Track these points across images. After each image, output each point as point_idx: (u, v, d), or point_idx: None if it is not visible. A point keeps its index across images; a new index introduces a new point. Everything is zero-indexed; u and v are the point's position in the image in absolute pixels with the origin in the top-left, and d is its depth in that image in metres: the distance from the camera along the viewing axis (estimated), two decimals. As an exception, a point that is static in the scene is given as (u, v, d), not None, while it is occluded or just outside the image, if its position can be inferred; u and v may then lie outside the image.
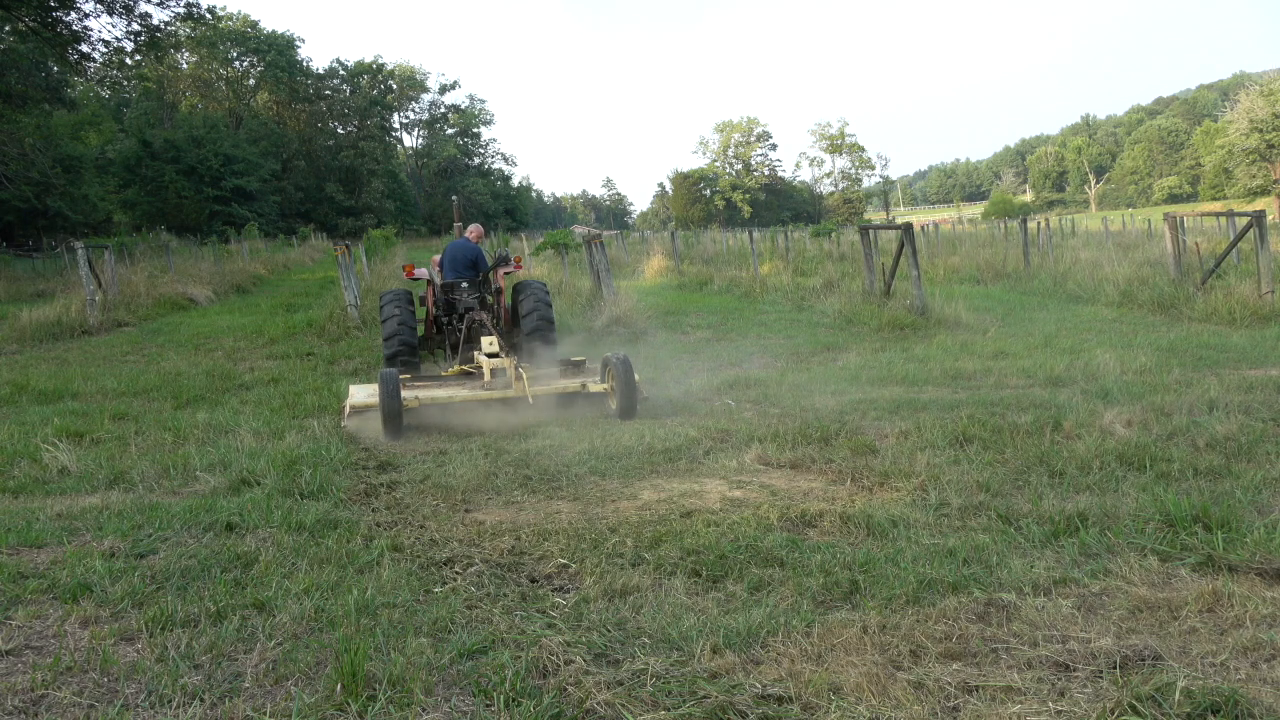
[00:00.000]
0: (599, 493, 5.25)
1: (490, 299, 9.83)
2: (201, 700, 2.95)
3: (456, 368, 8.66)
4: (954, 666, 3.02)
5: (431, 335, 10.00)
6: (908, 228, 14.15)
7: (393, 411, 7.04)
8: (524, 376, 7.66)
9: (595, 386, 7.90)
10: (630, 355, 7.93)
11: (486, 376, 7.82)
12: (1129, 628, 3.25)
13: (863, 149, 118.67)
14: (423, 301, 10.17)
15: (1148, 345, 9.74)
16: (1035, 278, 18.63)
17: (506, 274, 10.36)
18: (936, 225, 49.74)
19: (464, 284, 9.63)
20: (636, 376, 7.74)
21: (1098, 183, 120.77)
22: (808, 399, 7.75)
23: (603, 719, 2.81)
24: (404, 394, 7.30)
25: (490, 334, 8.66)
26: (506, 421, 7.48)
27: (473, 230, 10.15)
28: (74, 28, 34.36)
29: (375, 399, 7.35)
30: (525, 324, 9.54)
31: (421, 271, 10.45)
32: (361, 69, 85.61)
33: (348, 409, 7.72)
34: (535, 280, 10.60)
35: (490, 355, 8.14)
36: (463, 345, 9.20)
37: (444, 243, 12.83)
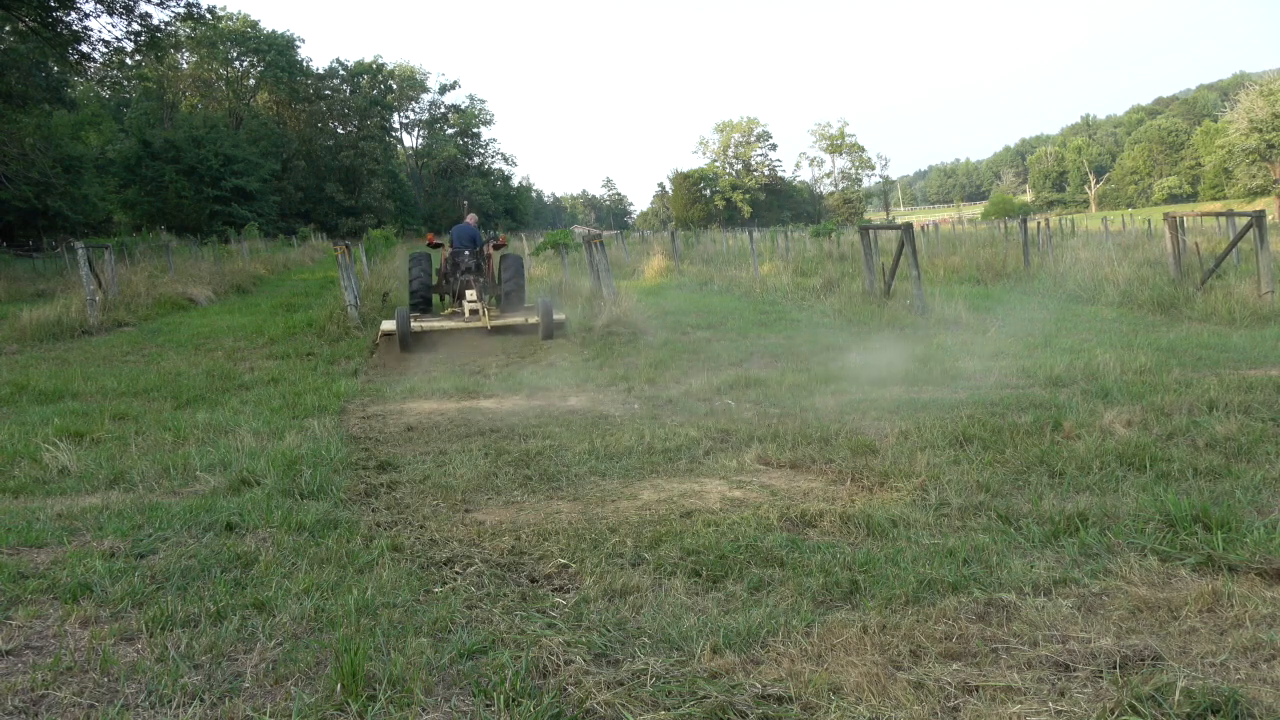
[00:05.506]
0: (599, 493, 5.25)
1: (483, 264, 13.99)
2: (201, 700, 2.95)
3: (450, 309, 13.63)
4: (954, 666, 3.02)
5: (442, 285, 14.43)
6: (908, 228, 14.16)
7: (404, 332, 11.71)
8: (487, 314, 12.59)
9: (532, 319, 12.35)
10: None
11: (466, 314, 12.80)
12: (1129, 628, 3.25)
13: (863, 149, 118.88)
14: (439, 265, 14.84)
15: (1148, 345, 9.73)
16: (1035, 278, 18.60)
17: (496, 247, 15.04)
18: (936, 225, 49.83)
19: (466, 252, 13.88)
20: (561, 316, 12.64)
21: (1098, 183, 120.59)
22: (808, 399, 7.75)
23: (603, 719, 2.81)
24: (413, 324, 11.95)
25: (473, 288, 13.05)
26: (482, 345, 11.92)
27: (471, 217, 14.85)
28: (74, 28, 34.39)
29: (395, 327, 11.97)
30: (503, 276, 14.22)
31: (440, 241, 15.37)
32: (361, 69, 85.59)
33: (380, 334, 12.29)
34: (513, 254, 16.30)
35: (470, 301, 12.83)
36: (459, 295, 13.52)
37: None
